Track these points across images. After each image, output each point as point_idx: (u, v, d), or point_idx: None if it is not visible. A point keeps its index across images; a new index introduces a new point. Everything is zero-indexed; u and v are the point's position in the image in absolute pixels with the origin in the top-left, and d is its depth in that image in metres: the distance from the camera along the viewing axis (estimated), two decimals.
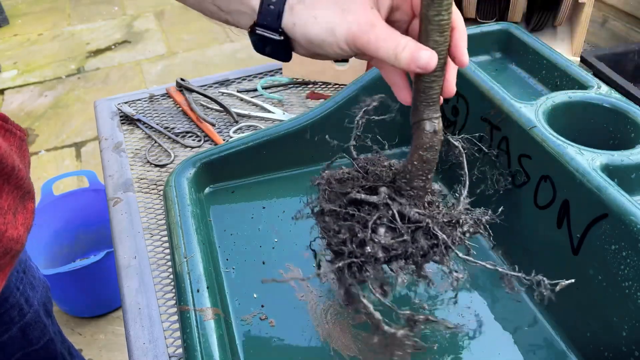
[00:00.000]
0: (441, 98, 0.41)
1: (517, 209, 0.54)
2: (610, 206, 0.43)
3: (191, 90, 0.93)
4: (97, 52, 2.81)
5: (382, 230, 0.41)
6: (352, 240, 0.42)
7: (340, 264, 0.41)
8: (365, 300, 0.41)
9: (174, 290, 0.58)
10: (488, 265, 0.42)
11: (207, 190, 0.68)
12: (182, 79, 0.95)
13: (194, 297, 0.49)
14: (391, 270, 0.42)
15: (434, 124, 0.40)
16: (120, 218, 0.69)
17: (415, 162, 0.42)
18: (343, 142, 0.50)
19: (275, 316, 0.54)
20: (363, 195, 0.43)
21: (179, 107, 0.92)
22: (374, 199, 0.42)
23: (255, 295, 0.56)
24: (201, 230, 0.56)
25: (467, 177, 0.48)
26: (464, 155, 0.49)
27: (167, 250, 0.64)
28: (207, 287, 0.51)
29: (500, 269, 0.42)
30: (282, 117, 0.87)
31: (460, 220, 0.43)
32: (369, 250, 0.41)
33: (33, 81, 2.58)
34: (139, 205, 0.71)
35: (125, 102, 0.93)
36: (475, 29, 0.71)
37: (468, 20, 0.94)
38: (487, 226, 0.45)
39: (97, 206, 1.50)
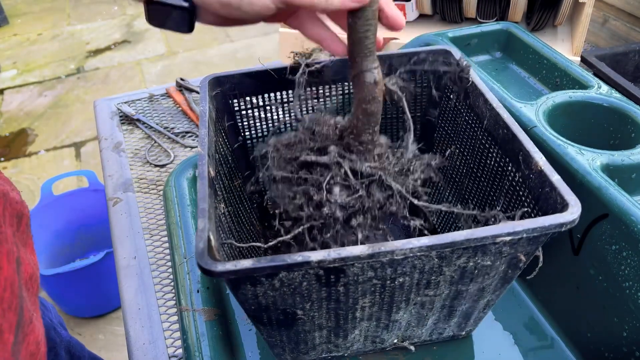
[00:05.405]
0: (380, 41, 0.40)
1: None
2: (611, 206, 0.43)
3: (191, 90, 0.93)
4: (97, 52, 2.80)
5: (337, 189, 0.41)
6: (308, 203, 0.41)
7: (300, 229, 0.40)
8: None
9: (173, 291, 0.58)
10: (443, 208, 0.42)
11: None
12: (182, 79, 0.95)
13: (194, 297, 0.49)
14: (351, 228, 0.42)
15: (373, 74, 0.40)
16: (120, 218, 0.69)
17: (360, 117, 0.41)
18: None
19: None
20: (313, 157, 0.42)
21: (179, 107, 0.91)
22: (324, 159, 0.42)
23: None
24: None
25: (411, 122, 0.46)
26: (404, 99, 0.47)
27: (167, 250, 0.64)
28: (207, 287, 0.51)
29: (455, 210, 0.42)
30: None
31: (411, 168, 0.43)
32: (327, 211, 0.40)
33: (32, 81, 2.58)
34: (139, 205, 0.71)
35: (125, 102, 0.93)
36: (476, 29, 0.71)
37: (468, 20, 0.93)
38: (437, 170, 0.44)
39: (96, 206, 1.50)
